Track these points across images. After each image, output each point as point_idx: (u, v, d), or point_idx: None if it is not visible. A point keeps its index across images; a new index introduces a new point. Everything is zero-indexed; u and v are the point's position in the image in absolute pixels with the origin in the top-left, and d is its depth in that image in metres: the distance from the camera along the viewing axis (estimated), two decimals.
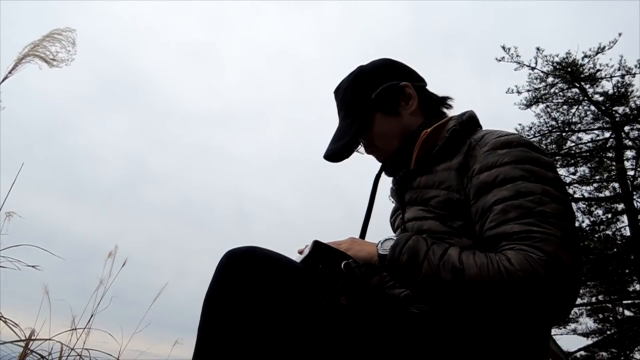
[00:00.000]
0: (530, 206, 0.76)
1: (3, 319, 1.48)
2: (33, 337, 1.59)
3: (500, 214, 0.78)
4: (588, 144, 10.10)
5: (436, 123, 0.97)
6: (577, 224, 9.87)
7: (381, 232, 0.92)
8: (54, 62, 1.45)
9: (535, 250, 0.72)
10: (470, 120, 0.97)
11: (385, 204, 1.14)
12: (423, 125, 1.01)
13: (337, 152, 1.02)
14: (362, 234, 1.05)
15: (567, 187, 9.91)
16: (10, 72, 1.41)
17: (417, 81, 1.08)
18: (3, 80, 1.40)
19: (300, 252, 0.92)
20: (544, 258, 0.70)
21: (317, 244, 0.88)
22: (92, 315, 1.93)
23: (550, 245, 0.72)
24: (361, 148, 1.09)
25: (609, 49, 8.95)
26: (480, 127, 0.99)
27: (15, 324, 1.50)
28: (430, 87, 1.11)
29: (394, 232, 1.07)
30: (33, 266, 1.59)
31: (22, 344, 1.55)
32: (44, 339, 1.63)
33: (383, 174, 1.09)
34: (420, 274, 0.77)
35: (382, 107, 1.03)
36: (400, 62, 1.11)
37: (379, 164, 1.10)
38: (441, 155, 0.93)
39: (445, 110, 1.08)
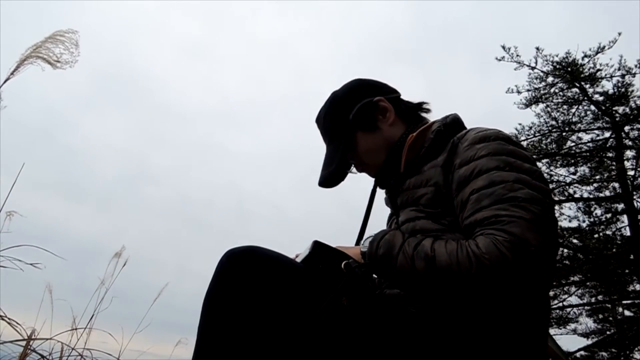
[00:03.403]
0: (501, 193, 0.78)
1: (4, 318, 1.48)
2: (34, 337, 1.59)
3: (475, 203, 0.80)
4: (588, 144, 10.09)
5: (420, 127, 1.00)
6: (576, 224, 9.90)
7: None
8: (57, 64, 1.45)
9: (502, 232, 0.73)
10: (454, 123, 1.00)
11: (383, 211, 1.15)
12: (407, 132, 1.03)
13: (329, 177, 1.06)
14: (358, 244, 1.06)
15: (567, 187, 9.92)
16: (12, 74, 1.41)
17: (390, 93, 1.10)
18: (5, 82, 1.40)
19: (297, 256, 0.93)
20: (508, 239, 0.72)
21: (317, 244, 0.89)
22: (92, 315, 1.94)
23: (517, 227, 0.73)
24: (353, 168, 1.12)
25: (608, 48, 8.95)
26: (465, 128, 1.01)
27: (17, 323, 1.51)
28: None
29: None
30: (33, 264, 1.59)
31: (23, 343, 1.55)
32: (45, 338, 1.64)
33: (378, 189, 1.11)
34: (396, 265, 0.80)
35: (361, 125, 1.06)
36: (371, 79, 1.14)
37: None
38: (427, 155, 0.96)
39: (424, 114, 1.11)
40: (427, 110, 1.11)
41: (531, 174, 0.81)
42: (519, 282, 0.72)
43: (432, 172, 0.92)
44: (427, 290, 0.79)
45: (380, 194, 1.12)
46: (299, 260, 0.90)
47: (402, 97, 1.12)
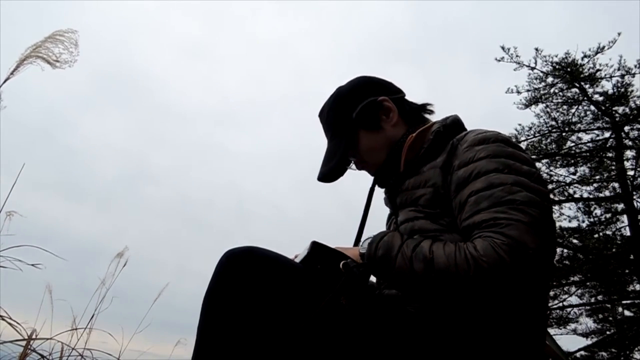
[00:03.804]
0: (500, 195, 0.78)
1: (4, 318, 1.49)
2: (34, 337, 1.59)
3: (473, 205, 0.81)
4: (588, 144, 10.09)
5: (420, 128, 1.00)
6: (576, 224, 9.89)
7: None
8: (57, 64, 1.45)
9: (500, 235, 0.73)
10: (454, 124, 1.01)
11: (382, 211, 1.15)
12: (407, 133, 1.03)
13: (328, 173, 1.06)
14: (356, 244, 1.06)
15: (567, 187, 9.92)
16: (12, 73, 1.41)
17: (395, 93, 1.10)
18: (5, 82, 1.41)
19: (296, 257, 0.93)
20: (506, 242, 0.72)
21: (315, 245, 0.89)
22: (93, 315, 1.94)
23: (515, 230, 0.73)
24: (353, 165, 1.12)
25: (608, 48, 8.95)
26: (465, 129, 1.01)
27: (17, 323, 1.51)
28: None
29: None
30: (33, 265, 1.59)
31: (23, 343, 1.55)
32: (45, 338, 1.64)
33: (377, 187, 1.11)
34: (395, 267, 0.80)
35: (364, 124, 1.06)
36: (376, 77, 1.14)
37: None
38: (427, 156, 0.96)
39: (427, 116, 1.11)
40: (431, 112, 1.12)
41: (530, 177, 0.82)
42: (517, 285, 0.72)
43: (431, 173, 0.92)
44: (426, 292, 0.80)
45: (379, 193, 1.12)
46: (297, 260, 0.91)
47: (406, 97, 1.12)
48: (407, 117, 1.08)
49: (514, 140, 0.91)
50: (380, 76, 1.15)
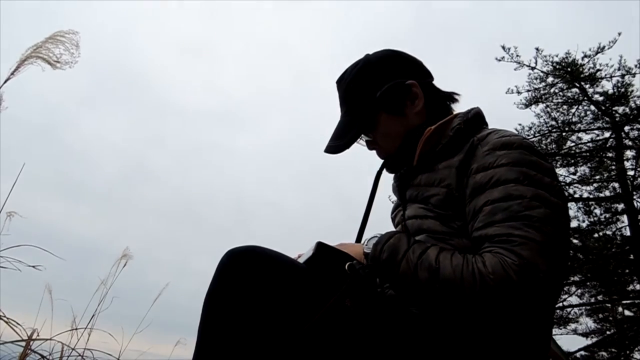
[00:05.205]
0: (517, 209, 0.75)
1: (4, 318, 1.48)
2: (34, 337, 1.59)
3: (488, 215, 0.78)
4: (588, 144, 10.09)
5: (441, 120, 0.95)
6: (576, 224, 9.89)
7: (382, 228, 0.92)
8: (57, 64, 1.45)
9: (511, 254, 0.71)
10: (475, 118, 0.96)
11: (386, 200, 1.14)
12: (427, 123, 0.98)
13: (337, 149, 1.01)
14: (361, 230, 1.04)
15: (567, 187, 9.91)
16: (12, 74, 1.41)
17: (424, 77, 1.04)
18: (5, 82, 1.40)
19: (300, 257, 0.92)
20: (517, 263, 0.70)
21: (320, 245, 0.88)
22: (93, 316, 1.94)
23: (527, 250, 0.71)
24: (362, 140, 1.07)
25: (608, 48, 8.94)
26: (487, 124, 0.98)
27: (17, 323, 1.51)
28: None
29: (395, 228, 1.08)
30: (34, 266, 1.59)
31: (23, 343, 1.55)
32: (45, 338, 1.63)
33: (384, 172, 1.08)
34: (398, 272, 0.78)
35: (386, 107, 1.00)
36: (408, 54, 1.07)
37: (379, 163, 1.09)
38: (444, 153, 0.92)
39: (451, 104, 1.06)
40: (455, 101, 1.06)
41: (550, 190, 0.78)
42: (523, 304, 0.71)
43: (446, 173, 0.89)
44: (427, 301, 0.78)
45: (385, 181, 1.09)
46: (301, 260, 0.90)
47: (434, 82, 1.07)
48: (431, 105, 1.02)
49: (537, 147, 0.86)
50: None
